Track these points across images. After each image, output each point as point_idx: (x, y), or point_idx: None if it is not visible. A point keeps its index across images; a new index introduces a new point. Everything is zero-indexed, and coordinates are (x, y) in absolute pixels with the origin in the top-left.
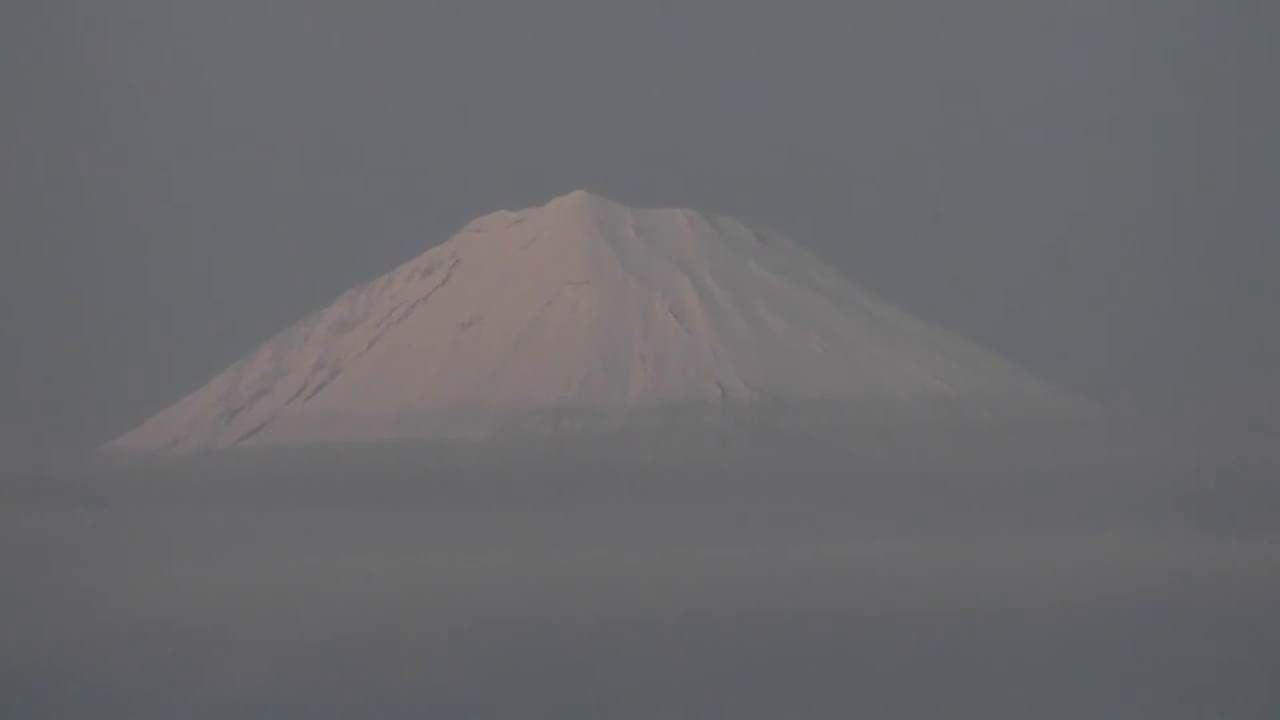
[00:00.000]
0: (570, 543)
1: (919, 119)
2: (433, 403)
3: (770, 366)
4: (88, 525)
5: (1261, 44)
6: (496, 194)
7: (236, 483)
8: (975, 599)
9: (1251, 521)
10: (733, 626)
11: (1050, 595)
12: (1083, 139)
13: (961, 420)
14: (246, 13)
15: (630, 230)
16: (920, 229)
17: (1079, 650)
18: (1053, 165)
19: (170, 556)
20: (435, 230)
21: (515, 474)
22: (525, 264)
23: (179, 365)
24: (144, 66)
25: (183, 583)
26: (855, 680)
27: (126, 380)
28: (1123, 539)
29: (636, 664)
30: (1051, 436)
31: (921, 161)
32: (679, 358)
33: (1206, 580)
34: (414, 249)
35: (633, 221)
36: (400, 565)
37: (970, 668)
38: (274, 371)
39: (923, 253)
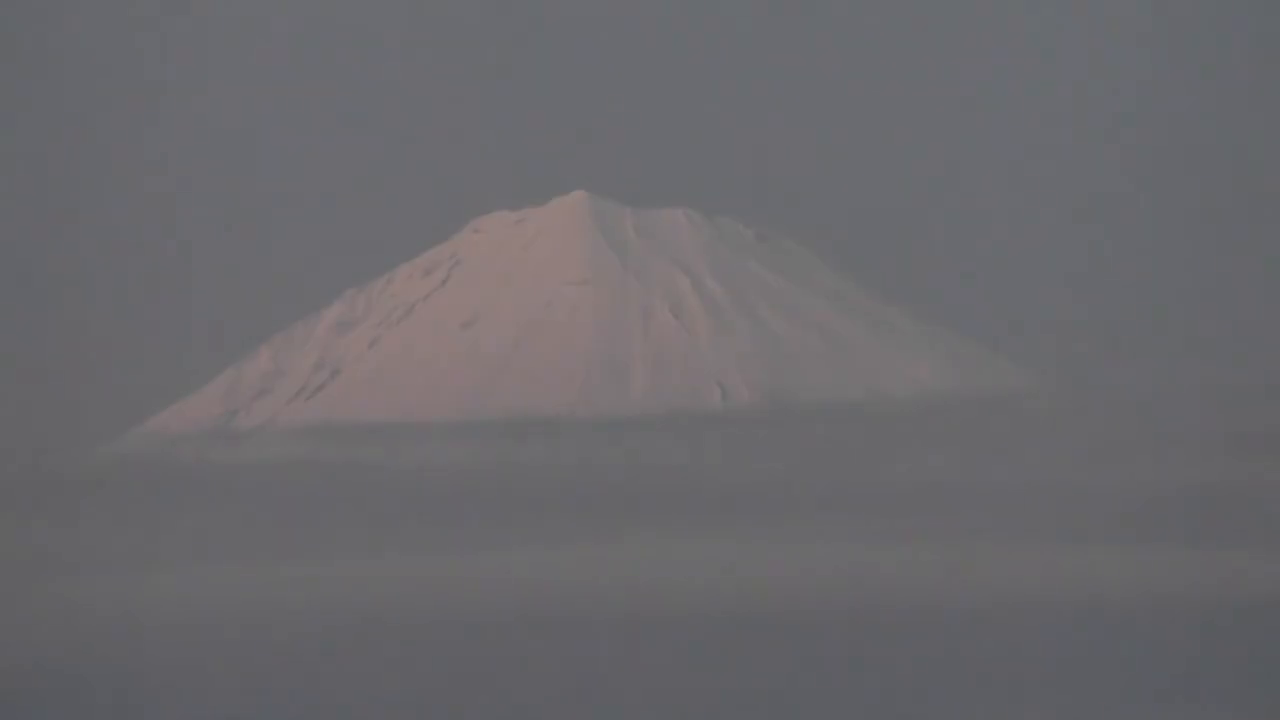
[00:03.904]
0: (570, 542)
1: (919, 119)
2: (433, 403)
3: (771, 367)
4: (88, 525)
5: (1241, 44)
6: (496, 194)
7: (237, 482)
8: (974, 601)
9: (1251, 531)
10: (732, 627)
11: (1051, 598)
12: (1086, 138)
13: (961, 420)
14: (248, 13)
15: (630, 230)
16: (920, 229)
17: (1079, 655)
18: (1054, 165)
19: (171, 556)
20: (435, 230)
21: (516, 474)
22: (525, 264)
23: (179, 365)
24: (145, 66)
25: (183, 583)
26: (854, 682)
27: (126, 380)
28: (1123, 542)
29: (636, 665)
30: (1052, 436)
31: (922, 161)
32: (679, 358)
33: (1207, 587)
34: (414, 249)
35: (633, 221)
36: (400, 566)
37: (969, 671)
38: (274, 371)
39: (923, 253)
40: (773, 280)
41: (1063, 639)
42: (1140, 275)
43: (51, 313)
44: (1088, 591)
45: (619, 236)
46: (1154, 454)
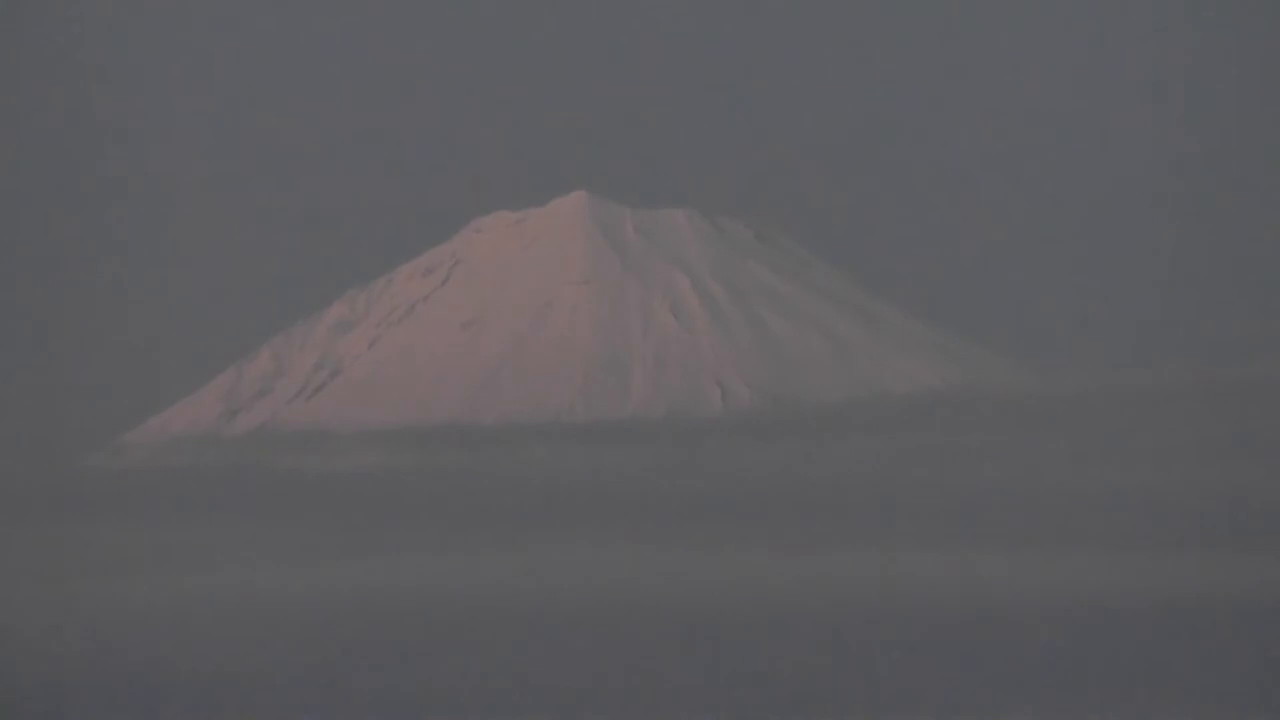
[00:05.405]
0: (569, 542)
1: (920, 119)
2: (433, 403)
3: (770, 366)
4: (87, 525)
5: (1241, 46)
6: (496, 194)
7: (237, 482)
8: (974, 602)
9: (1251, 531)
10: (731, 628)
11: (1051, 599)
12: (1086, 139)
13: (961, 419)
14: (249, 14)
15: (630, 230)
16: (920, 229)
17: (1079, 656)
18: (1055, 166)
19: (170, 558)
20: (435, 230)
21: (516, 473)
22: (525, 264)
23: (179, 365)
24: (146, 68)
25: (182, 585)
26: (854, 683)
27: (127, 380)
28: (1124, 542)
29: (634, 666)
30: (1052, 437)
31: (922, 162)
32: (679, 358)
33: (1208, 587)
34: (414, 249)
35: (633, 221)
36: (399, 565)
37: (969, 673)
38: (274, 371)
39: (923, 253)
40: (773, 280)
41: (1063, 640)
42: (1141, 275)
43: (51, 313)
44: (1088, 592)
45: (619, 236)
46: (1155, 454)
